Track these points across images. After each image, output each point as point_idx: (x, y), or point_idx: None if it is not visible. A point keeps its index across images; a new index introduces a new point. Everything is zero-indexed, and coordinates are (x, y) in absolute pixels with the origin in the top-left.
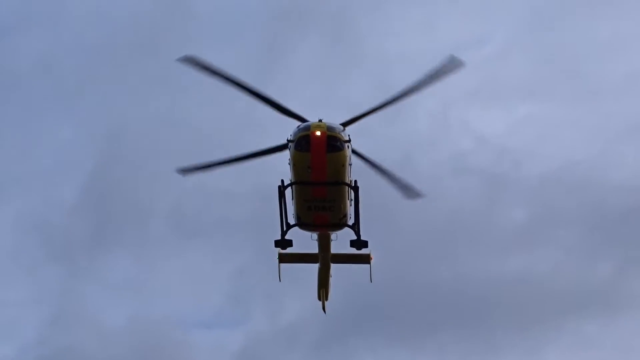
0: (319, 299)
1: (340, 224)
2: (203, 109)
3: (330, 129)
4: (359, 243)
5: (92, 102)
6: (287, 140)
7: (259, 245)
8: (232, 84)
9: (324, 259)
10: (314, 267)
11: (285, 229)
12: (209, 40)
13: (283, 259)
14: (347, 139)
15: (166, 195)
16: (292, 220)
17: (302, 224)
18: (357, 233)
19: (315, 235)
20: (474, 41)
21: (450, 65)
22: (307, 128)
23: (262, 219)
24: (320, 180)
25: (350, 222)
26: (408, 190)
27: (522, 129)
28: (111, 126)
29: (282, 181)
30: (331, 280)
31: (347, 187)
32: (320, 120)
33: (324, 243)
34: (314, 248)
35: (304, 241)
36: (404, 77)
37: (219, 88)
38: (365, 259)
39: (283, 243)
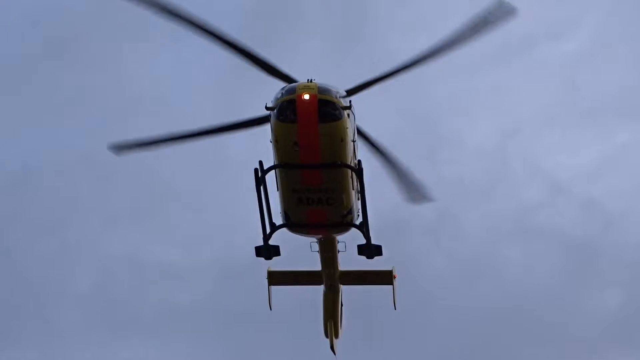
0: (326, 335)
1: (344, 223)
2: None
3: (323, 90)
4: (369, 249)
5: None
6: (266, 107)
7: None
8: (211, 35)
9: (330, 278)
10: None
11: (269, 230)
12: None
13: (274, 279)
14: (346, 104)
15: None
16: (278, 220)
17: (291, 224)
18: (366, 235)
19: (316, 246)
20: (547, 33)
21: (497, 13)
22: (292, 90)
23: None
24: (311, 161)
25: (358, 220)
26: (414, 192)
27: (617, 168)
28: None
29: (261, 163)
30: (343, 309)
31: (349, 170)
32: (310, 80)
33: (328, 255)
34: (315, 264)
35: (302, 253)
36: None
37: None
38: (387, 278)
39: (266, 250)
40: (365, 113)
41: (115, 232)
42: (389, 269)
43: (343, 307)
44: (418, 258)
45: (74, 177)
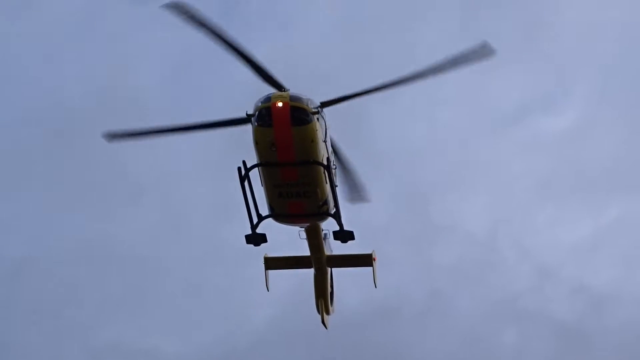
0: (319, 312)
1: (320, 213)
2: None
3: (294, 98)
4: (342, 234)
5: None
6: (247, 114)
7: None
8: (219, 38)
9: (318, 261)
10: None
11: (256, 220)
12: None
13: (270, 264)
14: (315, 110)
15: None
16: (264, 212)
17: (276, 214)
18: (339, 222)
19: (303, 233)
20: (538, 104)
21: (478, 52)
22: (268, 99)
23: None
24: (287, 160)
25: (333, 210)
26: (356, 193)
27: (610, 245)
28: None
29: (244, 162)
30: (334, 289)
31: (322, 167)
32: (283, 89)
33: (315, 242)
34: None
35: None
36: None
37: None
38: (368, 261)
39: (255, 238)
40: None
41: (112, 320)
42: (370, 253)
43: (334, 288)
44: (409, 343)
45: (73, 265)
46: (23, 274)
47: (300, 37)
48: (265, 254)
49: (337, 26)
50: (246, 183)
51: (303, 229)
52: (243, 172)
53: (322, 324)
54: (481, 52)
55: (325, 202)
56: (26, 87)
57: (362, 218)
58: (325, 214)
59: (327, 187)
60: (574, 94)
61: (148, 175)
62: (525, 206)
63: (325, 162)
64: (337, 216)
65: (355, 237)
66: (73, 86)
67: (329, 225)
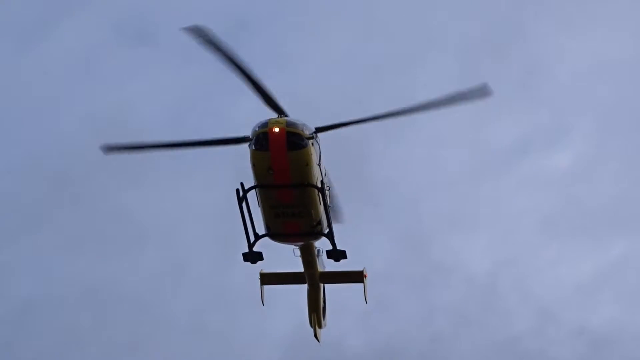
0: (311, 325)
1: (315, 233)
2: None
3: (290, 124)
4: (335, 253)
5: None
6: (244, 137)
7: None
8: (234, 65)
9: (312, 278)
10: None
11: (253, 239)
12: None
13: (265, 280)
14: (310, 135)
15: None
16: (261, 230)
17: (272, 234)
18: (332, 242)
19: (297, 251)
20: (540, 144)
21: (475, 92)
22: (265, 125)
23: None
24: (283, 182)
25: (327, 230)
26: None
27: (612, 285)
28: None
29: (242, 184)
30: (326, 304)
31: (316, 190)
32: (280, 115)
33: (308, 259)
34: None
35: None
36: None
37: None
38: (359, 277)
39: (252, 256)
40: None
41: None
42: (361, 270)
43: (326, 303)
44: None
45: (76, 309)
46: (26, 317)
47: (301, 77)
48: (261, 270)
49: (337, 67)
50: (244, 204)
51: (297, 247)
52: (241, 193)
53: (314, 338)
54: (479, 93)
55: (319, 222)
56: (26, 130)
57: (362, 257)
58: (319, 234)
59: (321, 208)
60: (576, 132)
61: (152, 220)
62: (526, 245)
63: (319, 185)
64: (330, 236)
65: (347, 257)
66: (74, 128)
67: (322, 244)
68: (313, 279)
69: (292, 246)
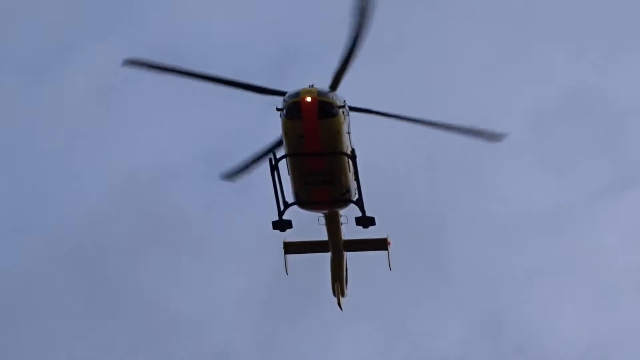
0: (334, 294)
1: (343, 200)
2: None
3: (321, 93)
4: (364, 220)
5: None
6: (277, 108)
7: None
8: (190, 76)
9: (335, 245)
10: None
11: (282, 208)
12: None
13: (289, 249)
14: (341, 104)
15: None
16: (290, 199)
17: (301, 201)
18: (362, 209)
19: (322, 219)
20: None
21: (488, 135)
22: (297, 94)
23: None
24: (315, 150)
25: (355, 197)
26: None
27: None
28: None
29: (274, 153)
30: (348, 273)
31: (346, 157)
32: (311, 86)
33: (333, 227)
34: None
35: (313, 229)
36: None
37: None
38: (382, 245)
39: (281, 224)
40: None
41: None
42: (384, 237)
43: (348, 272)
44: None
45: None
46: None
47: None
48: (284, 239)
49: None
50: (275, 173)
51: (323, 215)
52: (273, 162)
53: (337, 306)
54: (491, 136)
55: (348, 190)
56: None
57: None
58: (348, 201)
59: (351, 175)
60: None
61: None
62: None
63: (349, 153)
64: (359, 203)
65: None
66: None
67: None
68: (337, 247)
69: (318, 214)
